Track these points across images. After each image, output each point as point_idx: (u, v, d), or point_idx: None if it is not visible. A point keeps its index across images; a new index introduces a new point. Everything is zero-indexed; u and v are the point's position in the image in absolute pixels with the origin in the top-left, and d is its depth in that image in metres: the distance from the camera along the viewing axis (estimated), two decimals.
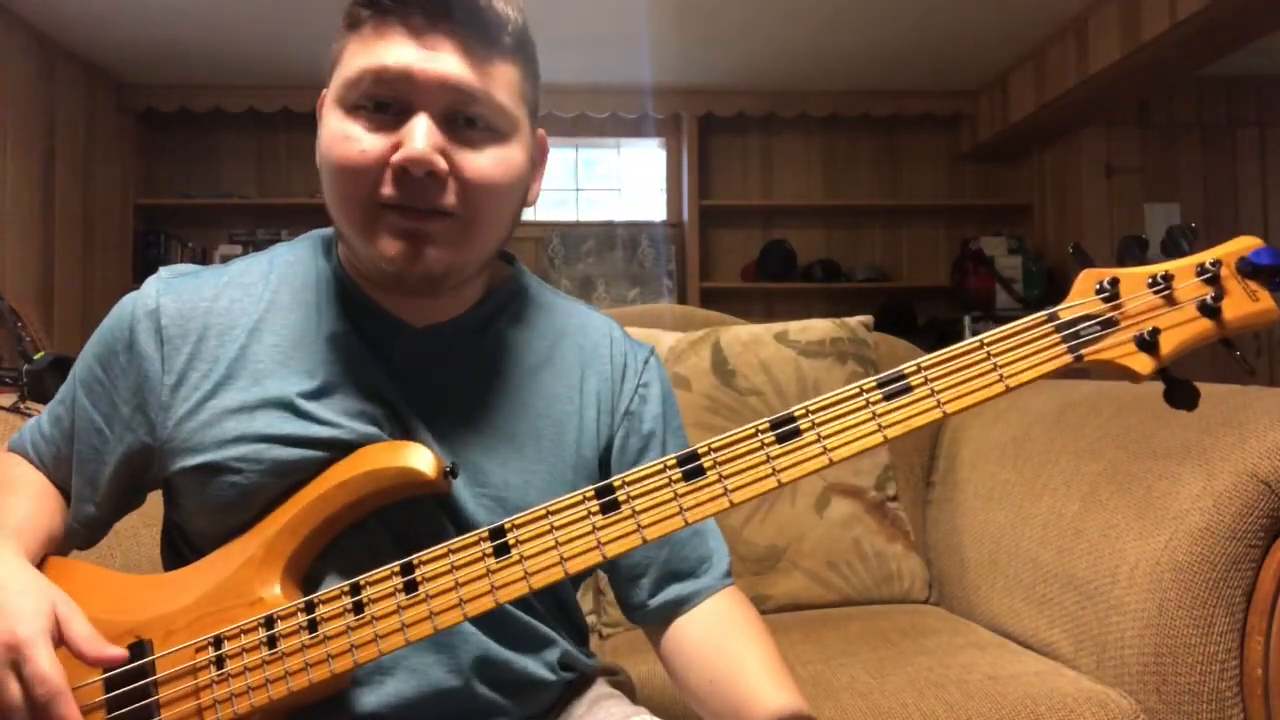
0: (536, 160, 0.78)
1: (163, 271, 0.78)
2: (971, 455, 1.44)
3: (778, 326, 1.49)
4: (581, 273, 4.64)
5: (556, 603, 0.81)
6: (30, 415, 1.08)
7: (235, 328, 0.74)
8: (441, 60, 0.67)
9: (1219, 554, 0.91)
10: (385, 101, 0.68)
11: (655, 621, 0.82)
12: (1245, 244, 0.62)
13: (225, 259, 4.97)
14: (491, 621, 0.73)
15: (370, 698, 0.70)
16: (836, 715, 0.94)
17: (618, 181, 5.07)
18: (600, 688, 0.84)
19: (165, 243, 4.55)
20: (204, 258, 4.57)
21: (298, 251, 0.80)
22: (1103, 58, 3.56)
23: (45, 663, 0.63)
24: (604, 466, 0.82)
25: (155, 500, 0.84)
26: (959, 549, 1.37)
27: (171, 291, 0.75)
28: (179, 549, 0.77)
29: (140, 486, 0.78)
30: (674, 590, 0.81)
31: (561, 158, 4.89)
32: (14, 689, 0.63)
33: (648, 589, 0.81)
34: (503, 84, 0.70)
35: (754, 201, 4.85)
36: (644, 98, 4.53)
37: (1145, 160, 4.46)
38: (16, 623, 0.63)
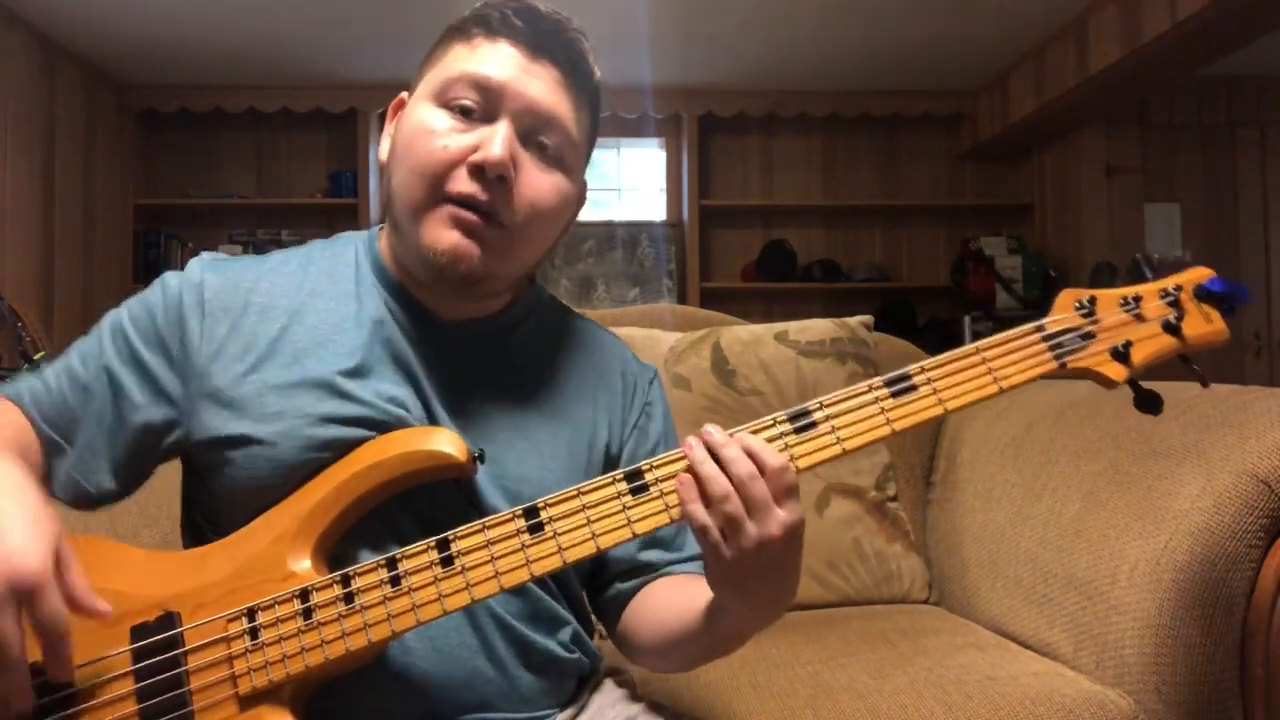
0: (580, 201, 0.84)
1: (204, 255, 0.82)
2: (971, 455, 1.44)
3: (778, 326, 1.49)
4: (581, 273, 4.64)
5: (566, 595, 0.84)
6: None
7: (275, 308, 0.78)
8: (535, 85, 0.75)
9: (1219, 554, 0.91)
10: (472, 107, 0.74)
11: (624, 593, 0.84)
12: (1201, 273, 0.72)
13: None
14: (514, 599, 0.76)
15: (400, 677, 0.71)
16: (835, 716, 0.94)
17: (618, 181, 5.08)
18: (617, 689, 0.86)
19: (165, 243, 4.55)
20: None
21: (335, 248, 0.84)
22: (1103, 58, 3.56)
23: (59, 604, 0.60)
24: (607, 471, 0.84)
25: (156, 500, 0.84)
26: (959, 549, 1.37)
27: (215, 270, 0.79)
28: (201, 531, 0.79)
29: (157, 451, 0.78)
30: (647, 555, 0.84)
31: None
32: (9, 628, 0.59)
33: (624, 566, 0.84)
34: (577, 123, 0.79)
35: (754, 201, 4.85)
36: (644, 98, 4.53)
37: (1145, 160, 4.46)
38: (32, 556, 0.60)
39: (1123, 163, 4.43)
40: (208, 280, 0.78)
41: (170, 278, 0.79)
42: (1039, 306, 4.74)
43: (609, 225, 4.72)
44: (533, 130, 0.75)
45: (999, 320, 4.26)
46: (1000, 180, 4.91)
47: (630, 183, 5.08)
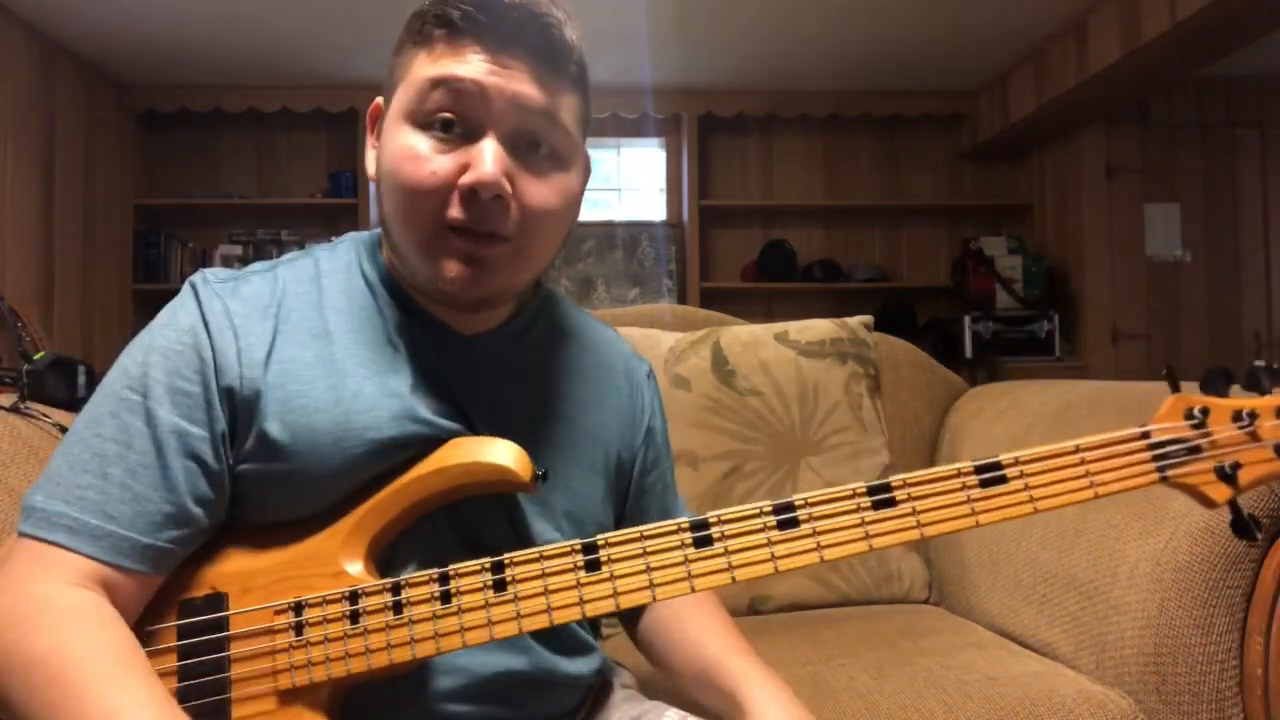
0: (584, 182, 0.79)
1: (208, 274, 0.74)
2: (972, 455, 1.43)
3: (778, 326, 1.49)
4: (581, 273, 4.64)
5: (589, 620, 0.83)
6: (31, 415, 1.06)
7: (302, 330, 0.72)
8: (514, 80, 0.68)
9: (1219, 554, 0.91)
10: (453, 120, 0.68)
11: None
12: None
13: (225, 259, 4.87)
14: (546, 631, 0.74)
15: (421, 692, 0.70)
16: (835, 716, 0.94)
17: (618, 181, 5.08)
18: (621, 690, 0.86)
19: (165, 243, 4.55)
20: (204, 258, 4.57)
21: (341, 257, 0.79)
22: (1103, 58, 3.56)
23: None
24: (621, 477, 0.86)
25: None
26: (959, 549, 1.37)
27: (229, 295, 0.72)
28: None
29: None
30: None
31: None
32: None
33: None
34: (567, 109, 0.72)
35: (754, 201, 4.85)
36: (644, 98, 4.52)
37: (1145, 160, 4.46)
38: None
39: (1123, 163, 4.43)
40: (231, 306, 0.71)
41: (182, 314, 0.71)
42: (1039, 306, 4.71)
43: (609, 225, 4.71)
44: (521, 134, 0.69)
45: (999, 320, 4.26)
46: (1000, 180, 4.91)
47: (630, 183, 5.08)
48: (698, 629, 0.82)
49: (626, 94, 4.51)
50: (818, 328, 1.49)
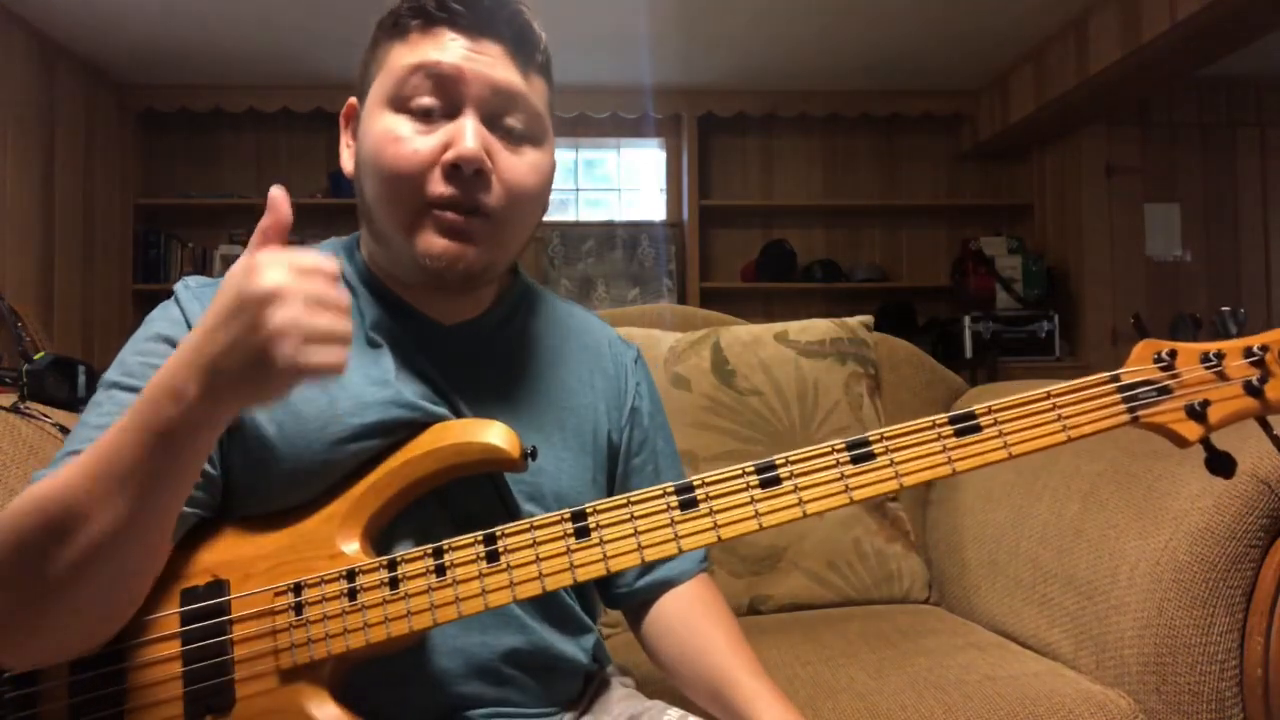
0: (554, 162, 0.82)
1: (189, 280, 0.77)
2: None
3: (778, 326, 1.49)
4: (581, 273, 4.64)
5: (583, 599, 0.85)
6: (31, 415, 1.07)
7: None
8: (489, 64, 0.72)
9: (1219, 554, 0.91)
10: (431, 105, 0.71)
11: (637, 602, 0.87)
12: None
13: (225, 259, 4.86)
14: (539, 603, 0.76)
15: (421, 672, 0.71)
16: (835, 716, 0.95)
17: (618, 181, 5.07)
18: (622, 688, 0.86)
19: (165, 243, 4.55)
20: (204, 257, 4.57)
21: None
22: (1103, 58, 3.56)
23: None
24: (611, 458, 0.87)
25: None
26: (959, 549, 1.37)
27: (209, 299, 0.73)
28: None
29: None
30: (660, 572, 0.86)
31: (561, 158, 4.88)
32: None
33: (635, 571, 0.85)
34: (537, 93, 0.76)
35: (754, 201, 4.85)
36: (644, 98, 4.52)
37: (1145, 160, 4.46)
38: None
39: (1123, 163, 4.43)
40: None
41: (169, 306, 0.75)
42: (1039, 306, 4.70)
43: (609, 225, 4.71)
44: (497, 114, 0.73)
45: (999, 320, 4.26)
46: (1000, 180, 4.91)
47: (630, 183, 5.07)
48: (710, 640, 0.82)
49: (626, 94, 4.51)
50: (818, 328, 1.49)
